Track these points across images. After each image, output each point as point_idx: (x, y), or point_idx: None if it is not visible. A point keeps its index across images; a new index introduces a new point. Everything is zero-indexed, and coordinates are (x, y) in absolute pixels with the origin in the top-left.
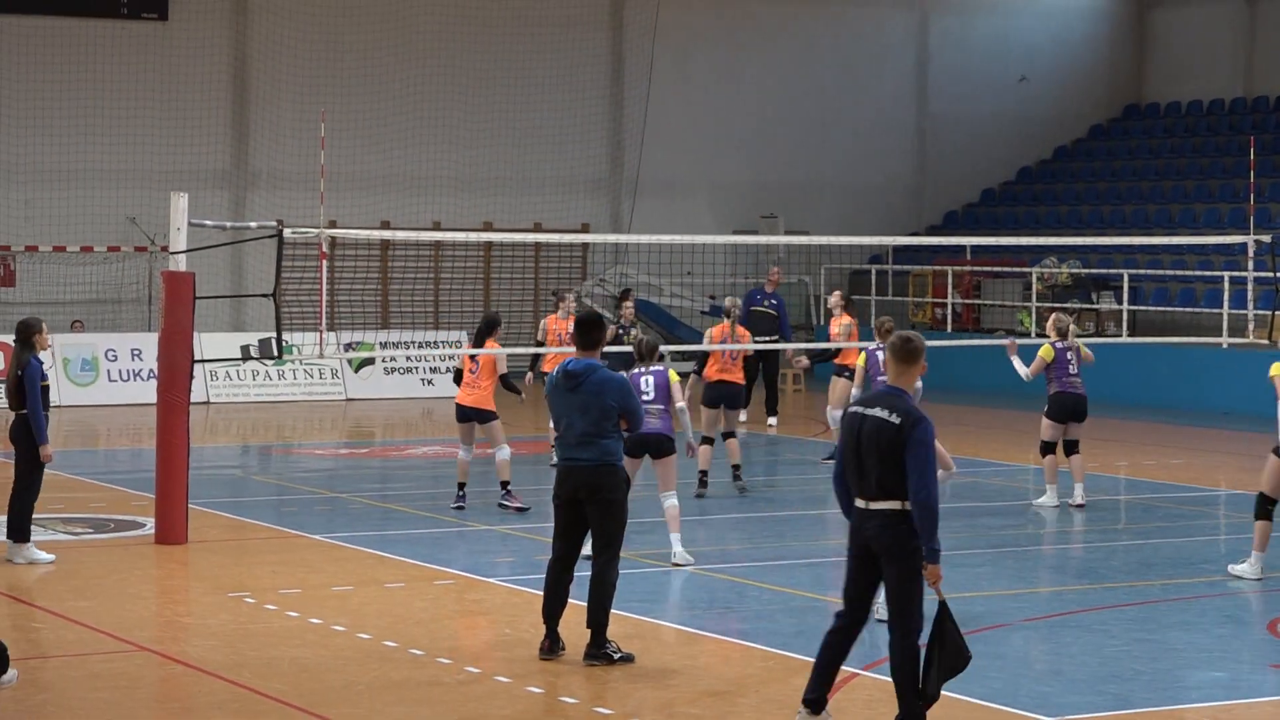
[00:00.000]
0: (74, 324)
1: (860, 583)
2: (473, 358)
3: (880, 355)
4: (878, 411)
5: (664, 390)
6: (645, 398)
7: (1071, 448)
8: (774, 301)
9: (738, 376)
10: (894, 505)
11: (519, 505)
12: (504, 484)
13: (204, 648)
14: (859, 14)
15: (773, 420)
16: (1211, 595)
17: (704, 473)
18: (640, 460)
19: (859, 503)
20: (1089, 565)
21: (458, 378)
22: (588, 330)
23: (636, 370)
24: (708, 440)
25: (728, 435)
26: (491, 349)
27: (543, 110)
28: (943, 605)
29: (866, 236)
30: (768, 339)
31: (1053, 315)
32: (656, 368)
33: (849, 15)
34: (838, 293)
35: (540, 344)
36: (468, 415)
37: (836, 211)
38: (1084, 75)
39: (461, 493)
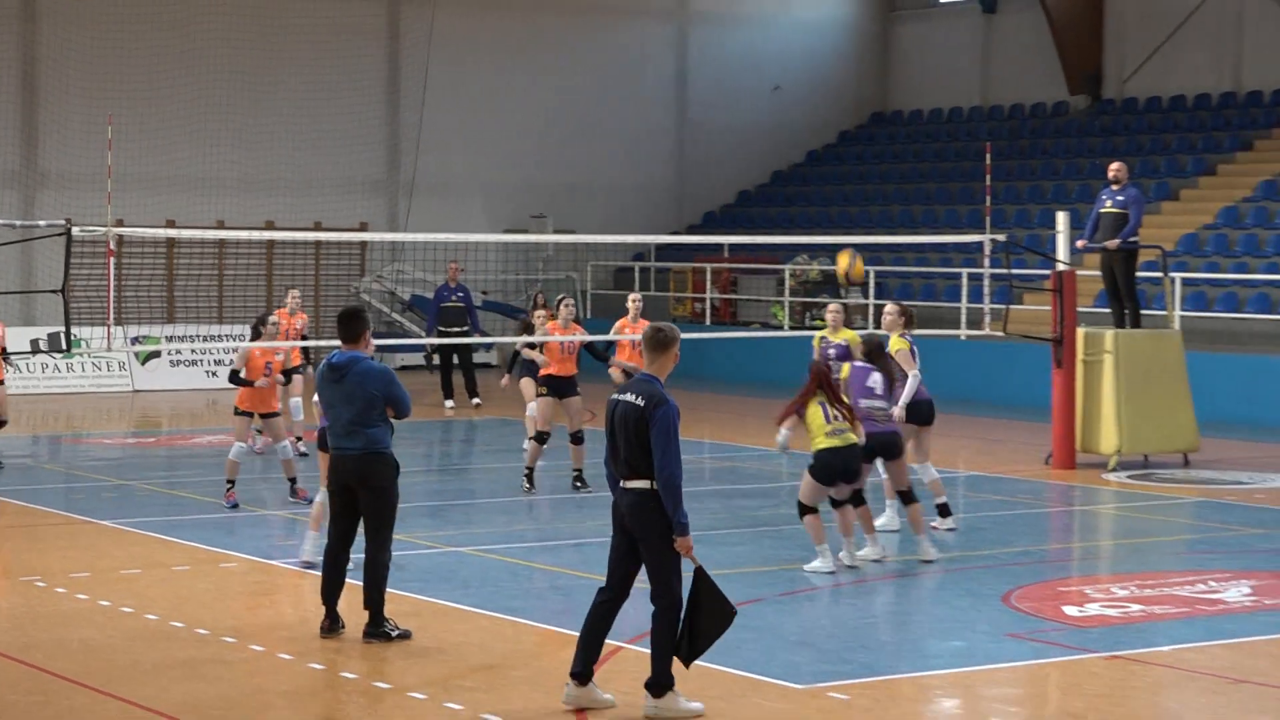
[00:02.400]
0: None
1: (620, 557)
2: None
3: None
4: (628, 397)
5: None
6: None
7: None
8: (461, 294)
9: (570, 369)
10: (643, 484)
11: (308, 497)
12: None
13: None
14: (622, 26)
15: (476, 401)
16: (951, 570)
17: (531, 470)
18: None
19: (621, 483)
20: (838, 544)
21: (233, 377)
22: (350, 323)
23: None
24: (542, 437)
25: (575, 439)
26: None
27: (323, 114)
28: (698, 571)
29: (630, 235)
30: (459, 330)
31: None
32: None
33: (612, 28)
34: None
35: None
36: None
37: (602, 211)
38: (833, 85)
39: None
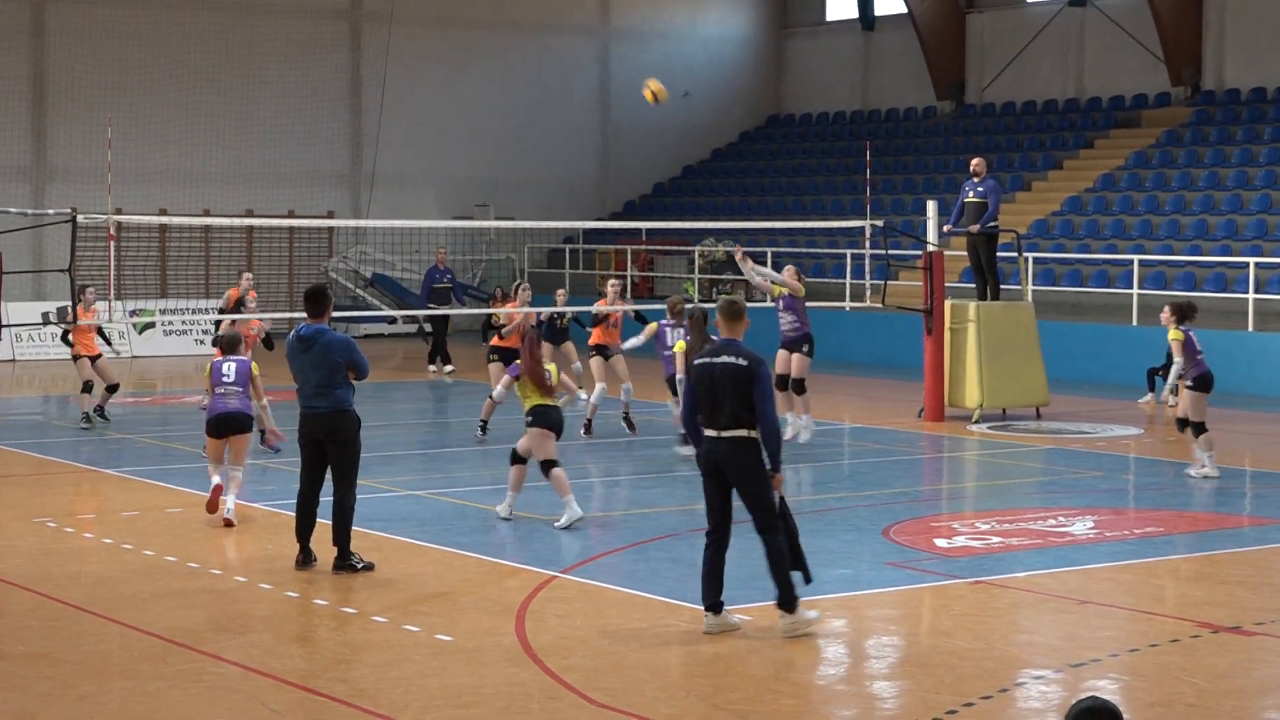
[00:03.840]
0: None
1: (716, 496)
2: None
3: (669, 329)
4: (728, 358)
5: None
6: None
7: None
8: (449, 275)
9: (615, 339)
10: (744, 433)
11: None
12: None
13: (13, 564)
14: (553, 41)
15: (450, 368)
16: (839, 510)
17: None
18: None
19: (709, 433)
20: None
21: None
22: (316, 300)
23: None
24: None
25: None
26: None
27: (294, 117)
28: (782, 500)
29: (561, 221)
30: (448, 307)
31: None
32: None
33: (545, 42)
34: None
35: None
36: None
37: (537, 200)
38: (735, 91)
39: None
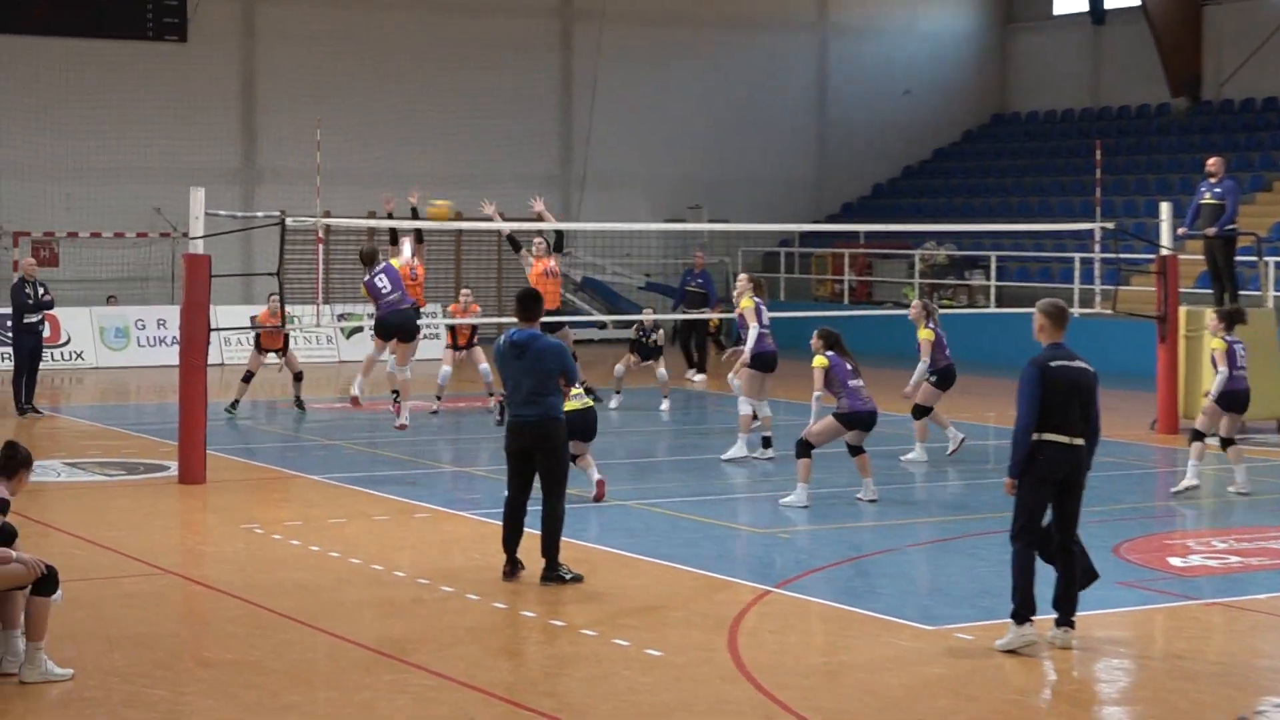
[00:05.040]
0: (109, 299)
1: (1045, 508)
2: None
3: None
4: (1080, 363)
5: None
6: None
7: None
8: (701, 280)
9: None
10: (1083, 441)
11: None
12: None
13: (220, 571)
14: (769, 37)
15: (693, 372)
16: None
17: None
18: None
19: (1059, 438)
20: (963, 500)
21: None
22: (529, 305)
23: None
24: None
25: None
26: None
27: (503, 116)
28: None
29: (776, 224)
30: (698, 311)
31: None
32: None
33: (761, 38)
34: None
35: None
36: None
37: (751, 202)
38: (957, 89)
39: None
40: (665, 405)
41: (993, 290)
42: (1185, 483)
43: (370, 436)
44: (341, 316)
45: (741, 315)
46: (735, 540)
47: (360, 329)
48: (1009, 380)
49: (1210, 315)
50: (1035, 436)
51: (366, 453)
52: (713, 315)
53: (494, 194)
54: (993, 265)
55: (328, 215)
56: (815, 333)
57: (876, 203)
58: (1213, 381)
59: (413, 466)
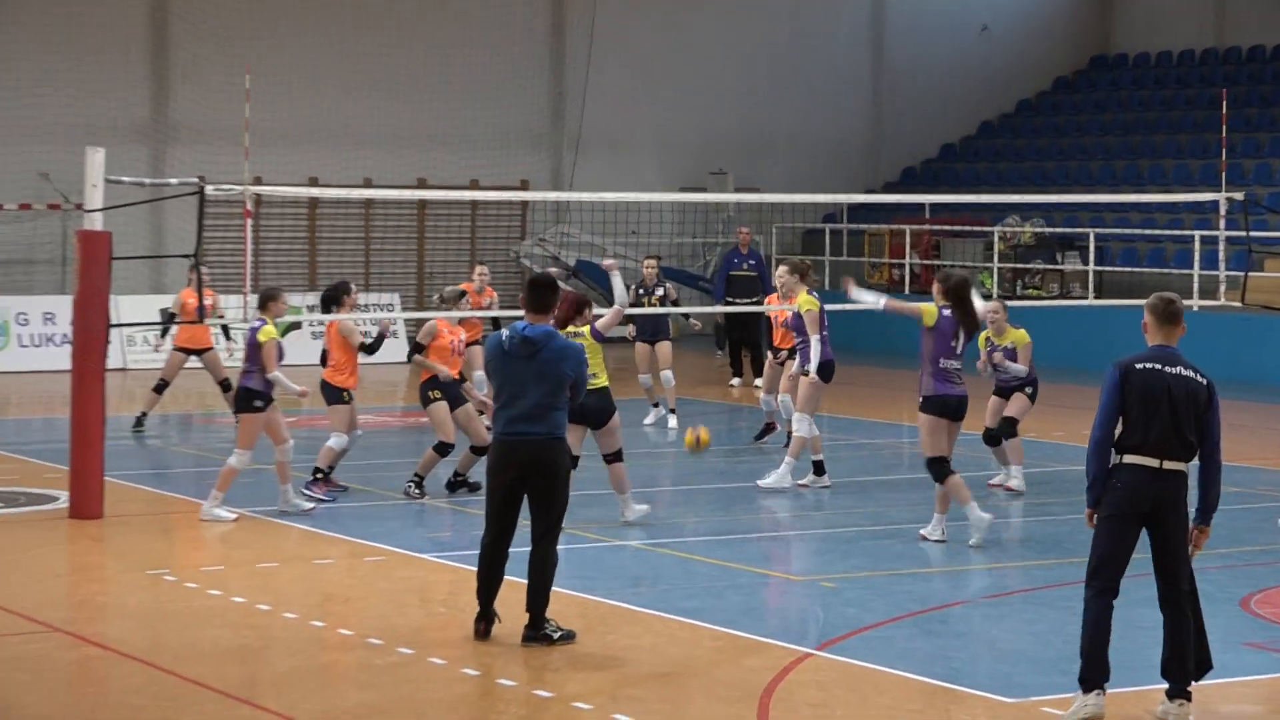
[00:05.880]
0: None
1: (1128, 549)
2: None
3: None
4: (1183, 371)
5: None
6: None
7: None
8: (752, 262)
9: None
10: (1183, 466)
11: (321, 497)
12: (317, 469)
13: (121, 629)
14: None
15: (737, 381)
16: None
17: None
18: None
19: (1142, 460)
20: (1055, 538)
21: (323, 358)
22: (543, 292)
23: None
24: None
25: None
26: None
27: (480, 62)
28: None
29: (820, 194)
30: (749, 302)
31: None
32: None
33: None
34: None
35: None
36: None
37: (788, 168)
38: (1048, 24)
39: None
40: (670, 420)
41: (1091, 277)
42: None
43: (312, 459)
44: None
45: (800, 316)
46: (767, 590)
47: (298, 325)
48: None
49: None
50: (1115, 458)
51: (302, 478)
52: (775, 307)
53: (468, 157)
54: (1091, 245)
55: (258, 182)
56: (940, 276)
57: (945, 167)
58: None
59: (364, 497)
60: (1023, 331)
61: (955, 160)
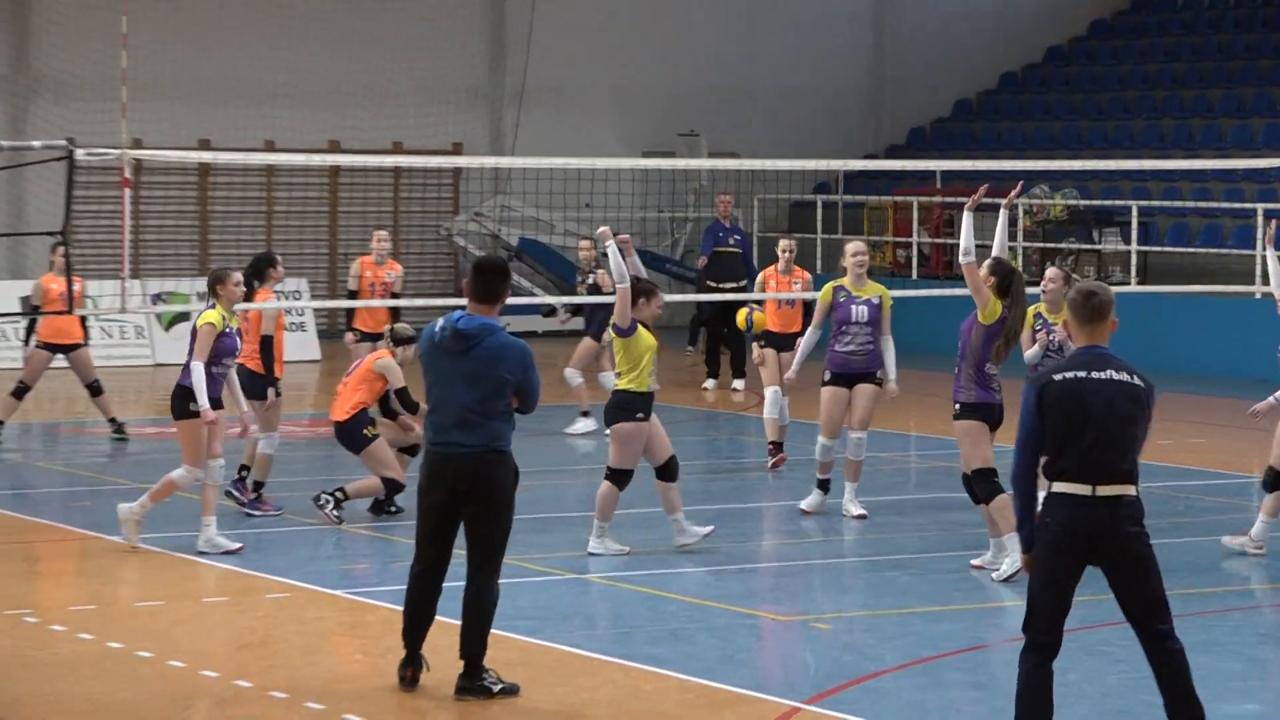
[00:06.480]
0: None
1: (1064, 594)
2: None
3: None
4: (1114, 375)
5: None
6: None
7: None
8: (738, 237)
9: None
10: (1124, 490)
11: (267, 511)
12: (257, 484)
13: None
14: None
15: (739, 383)
16: (1244, 608)
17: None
18: None
19: (1076, 489)
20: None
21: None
22: (489, 278)
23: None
24: None
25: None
26: (262, 302)
27: (406, 6)
28: None
29: (811, 160)
30: (734, 286)
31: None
32: None
33: None
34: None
35: (353, 294)
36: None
37: (772, 129)
38: None
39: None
40: (580, 425)
41: (1134, 259)
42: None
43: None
44: (158, 298)
45: (876, 308)
46: (749, 632)
47: (187, 316)
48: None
49: None
50: (1044, 488)
51: (195, 500)
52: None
53: (390, 116)
54: (1134, 221)
55: (138, 146)
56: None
57: (960, 128)
58: None
59: (265, 522)
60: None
61: (972, 119)
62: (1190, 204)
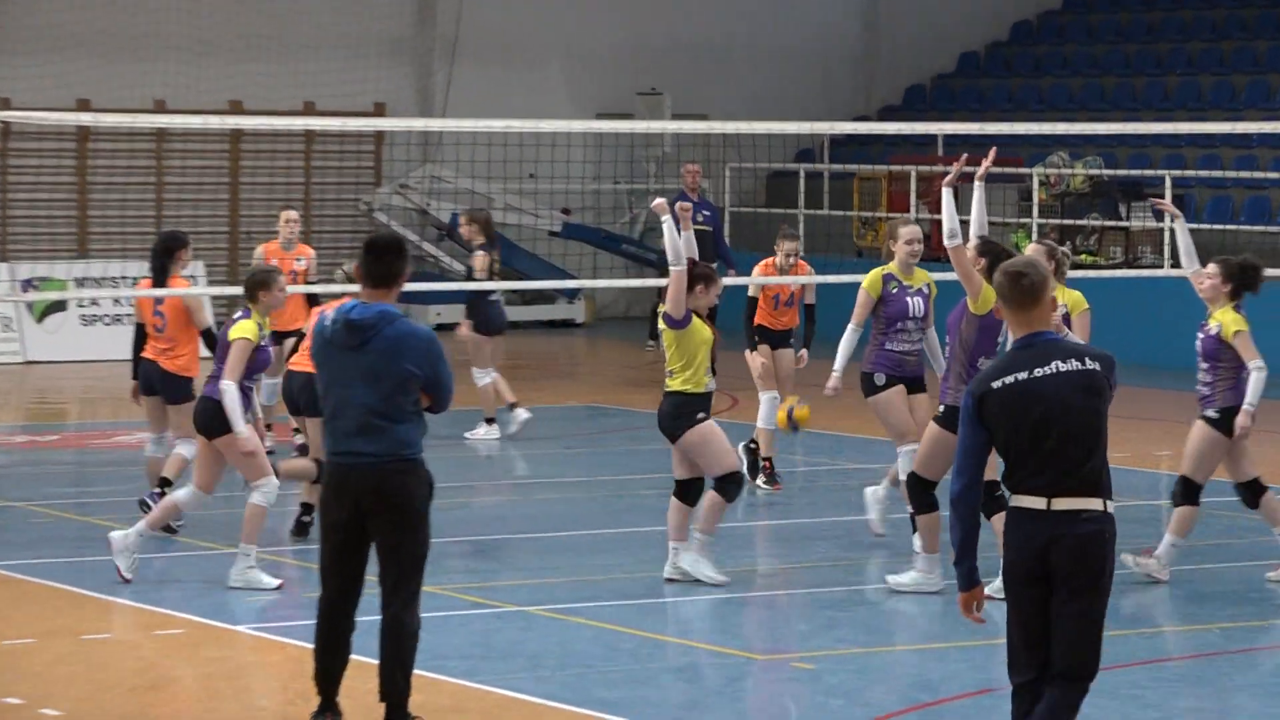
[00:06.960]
0: None
1: (1037, 625)
2: (157, 302)
3: None
4: (1060, 366)
5: None
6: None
7: None
8: (707, 213)
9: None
10: (1086, 504)
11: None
12: (163, 480)
13: None
14: None
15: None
16: None
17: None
18: None
19: (1030, 502)
20: (1118, 602)
21: (140, 336)
22: (384, 258)
23: None
24: None
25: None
26: (180, 288)
27: None
28: None
29: (792, 123)
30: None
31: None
32: None
33: None
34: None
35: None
36: (152, 387)
37: (747, 87)
38: None
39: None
40: (481, 430)
41: (1167, 236)
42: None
43: (79, 493)
44: (29, 284)
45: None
46: (719, 673)
47: (63, 306)
48: (1193, 393)
49: None
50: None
51: (76, 520)
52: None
53: (301, 72)
54: (1168, 193)
55: (6, 105)
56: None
57: (965, 85)
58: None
59: (156, 546)
60: (1079, 294)
61: (979, 75)
62: (1232, 174)
